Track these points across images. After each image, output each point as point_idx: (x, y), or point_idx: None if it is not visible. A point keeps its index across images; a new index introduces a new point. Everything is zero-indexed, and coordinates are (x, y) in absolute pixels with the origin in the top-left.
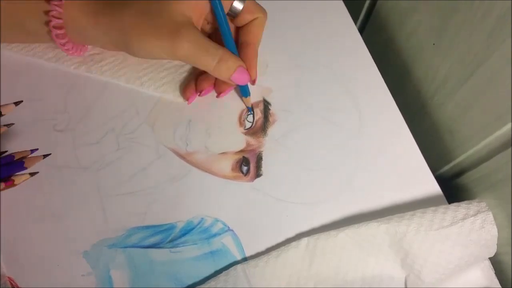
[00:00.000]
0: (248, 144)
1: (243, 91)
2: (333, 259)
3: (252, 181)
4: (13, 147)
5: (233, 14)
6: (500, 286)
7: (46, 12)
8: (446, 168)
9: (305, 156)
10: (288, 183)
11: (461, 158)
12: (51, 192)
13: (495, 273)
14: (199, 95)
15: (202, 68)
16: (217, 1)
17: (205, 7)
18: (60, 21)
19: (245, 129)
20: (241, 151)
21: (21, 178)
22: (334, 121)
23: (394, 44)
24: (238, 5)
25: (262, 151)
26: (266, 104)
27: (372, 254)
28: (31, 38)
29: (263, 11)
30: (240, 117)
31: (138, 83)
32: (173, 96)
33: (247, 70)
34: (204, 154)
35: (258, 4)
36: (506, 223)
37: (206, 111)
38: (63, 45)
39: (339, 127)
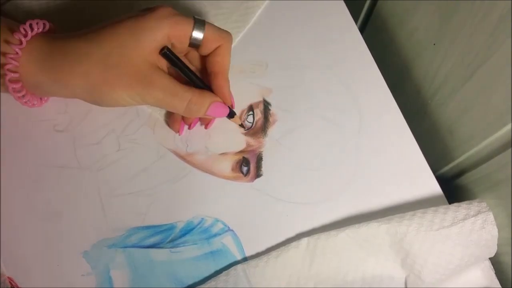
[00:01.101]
0: (248, 145)
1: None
2: (334, 259)
3: (252, 181)
4: (13, 147)
5: (195, 44)
6: (500, 286)
7: (2, 66)
8: (446, 168)
9: (305, 156)
10: (288, 183)
11: (462, 158)
12: (51, 192)
13: (495, 273)
14: (189, 128)
15: (173, 111)
16: (167, 52)
17: (170, 40)
18: (16, 75)
19: (245, 130)
20: (241, 151)
21: None
22: (334, 121)
23: (394, 44)
24: (198, 35)
25: (262, 152)
26: (266, 104)
27: (373, 254)
28: None
29: (225, 36)
30: (240, 118)
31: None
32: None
33: (222, 102)
34: (204, 154)
35: (219, 30)
36: (507, 223)
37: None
38: (22, 97)
39: (339, 127)
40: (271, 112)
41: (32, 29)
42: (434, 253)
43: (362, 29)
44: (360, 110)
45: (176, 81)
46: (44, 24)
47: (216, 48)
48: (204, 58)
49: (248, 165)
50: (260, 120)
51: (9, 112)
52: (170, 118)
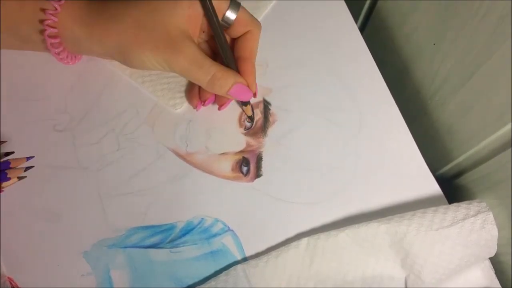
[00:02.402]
0: (248, 145)
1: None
2: (333, 259)
3: (252, 182)
4: (13, 147)
5: (226, 25)
6: (500, 286)
7: (41, 21)
8: (446, 168)
9: (305, 156)
10: (288, 183)
11: (461, 158)
12: (51, 192)
13: (495, 273)
14: (202, 105)
15: (195, 82)
16: (212, 14)
17: (200, 18)
18: (55, 30)
19: (245, 130)
20: (241, 151)
21: (7, 183)
22: (334, 121)
23: (394, 44)
24: (231, 15)
25: (262, 152)
26: (266, 104)
27: (373, 254)
28: (26, 45)
29: (257, 23)
30: (240, 118)
31: (140, 80)
32: (167, 104)
33: (246, 85)
34: (204, 154)
35: (251, 16)
36: (507, 223)
37: (206, 112)
38: (58, 54)
39: (339, 127)
40: (271, 112)
41: None
42: (434, 253)
43: (362, 29)
44: (360, 110)
45: (204, 54)
46: None
47: (245, 33)
48: (232, 43)
49: (248, 165)
50: (260, 120)
51: (9, 112)
52: (189, 93)
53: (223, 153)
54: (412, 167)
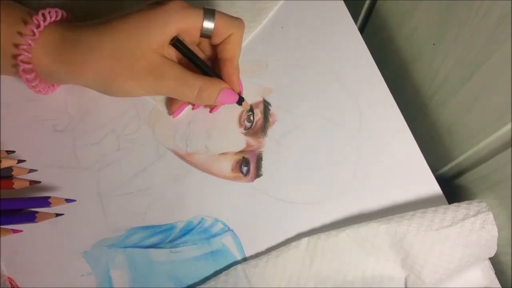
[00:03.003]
0: (248, 145)
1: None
2: (334, 259)
3: (252, 182)
4: (13, 147)
5: (207, 35)
6: (500, 286)
7: (15, 56)
8: (446, 168)
9: (305, 156)
10: (288, 183)
11: (461, 158)
12: (51, 192)
13: (495, 273)
14: (192, 109)
15: (184, 100)
16: (176, 42)
17: (173, 37)
18: (29, 65)
19: (245, 130)
20: (241, 151)
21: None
22: (334, 121)
23: (394, 44)
24: (209, 25)
25: (262, 152)
26: (266, 104)
27: (373, 254)
28: (3, 72)
29: (237, 24)
30: (240, 118)
31: None
32: (167, 109)
33: (231, 89)
34: (204, 154)
35: (230, 18)
36: (507, 223)
37: (206, 112)
38: (35, 86)
39: (339, 127)
40: (271, 112)
41: (45, 19)
42: (434, 253)
43: (362, 29)
44: (360, 110)
45: (186, 70)
46: (56, 12)
47: (228, 36)
48: (216, 47)
49: (248, 165)
50: (260, 120)
51: (9, 112)
52: (169, 99)
53: (223, 153)
54: (412, 167)
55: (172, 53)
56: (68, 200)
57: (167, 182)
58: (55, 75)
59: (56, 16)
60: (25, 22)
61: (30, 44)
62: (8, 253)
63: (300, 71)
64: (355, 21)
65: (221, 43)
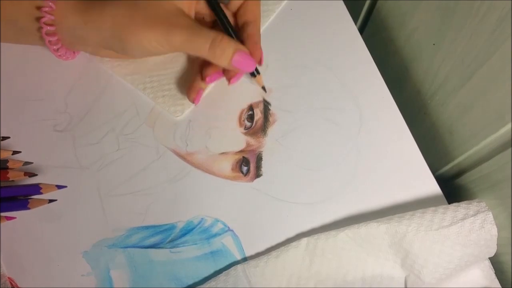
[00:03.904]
0: (248, 144)
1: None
2: (333, 259)
3: (252, 181)
4: (13, 147)
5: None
6: (500, 286)
7: (39, 8)
8: (446, 168)
9: (305, 156)
10: (288, 183)
11: (461, 158)
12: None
13: (495, 273)
14: (206, 82)
15: (197, 53)
16: None
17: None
18: (51, 17)
19: (245, 129)
20: (241, 151)
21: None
22: (334, 121)
23: (394, 44)
24: None
25: (262, 151)
26: (266, 104)
27: (372, 254)
28: (23, 38)
29: None
30: (240, 117)
31: (141, 87)
32: (168, 110)
33: (248, 54)
34: (204, 154)
35: None
36: (506, 223)
37: (206, 112)
38: (57, 50)
39: (339, 127)
40: (271, 112)
41: None
42: (434, 252)
43: (362, 29)
44: (360, 110)
45: (201, 25)
46: None
47: (244, 3)
48: (234, 16)
49: (248, 165)
50: (260, 120)
51: (9, 112)
52: (188, 86)
53: (223, 153)
54: (412, 167)
55: (191, 14)
56: (59, 186)
57: (167, 182)
58: (75, 29)
59: None
60: None
61: (51, 7)
62: (9, 254)
63: (300, 71)
64: (355, 21)
65: (240, 7)
